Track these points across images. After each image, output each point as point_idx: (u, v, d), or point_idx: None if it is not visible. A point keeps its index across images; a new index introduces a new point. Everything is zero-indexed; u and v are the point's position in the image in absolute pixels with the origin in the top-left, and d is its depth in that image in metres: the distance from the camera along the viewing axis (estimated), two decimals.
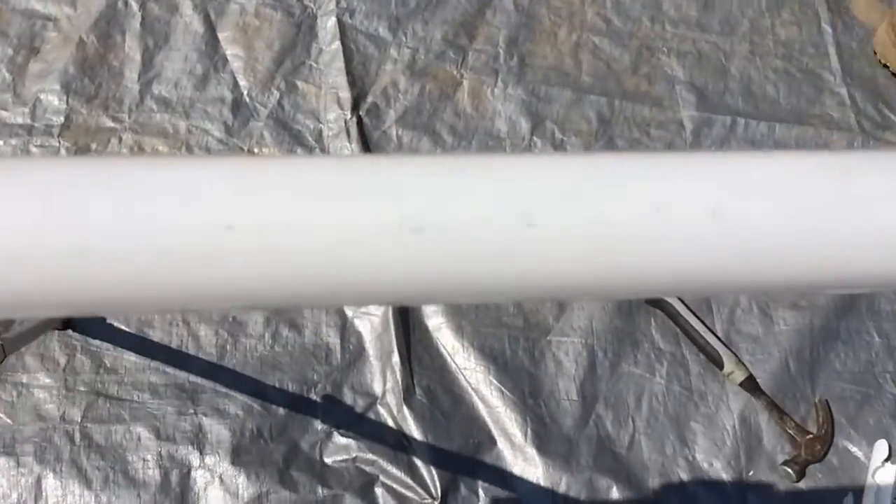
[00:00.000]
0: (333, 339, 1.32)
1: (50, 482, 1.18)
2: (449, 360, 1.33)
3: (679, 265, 0.28)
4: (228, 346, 1.29)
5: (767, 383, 1.36)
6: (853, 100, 1.62)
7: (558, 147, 1.52)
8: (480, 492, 1.25)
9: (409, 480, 1.23)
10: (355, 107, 1.50)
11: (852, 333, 1.40)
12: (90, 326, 1.27)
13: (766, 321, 1.40)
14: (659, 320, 1.39)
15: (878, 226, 0.28)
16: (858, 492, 1.29)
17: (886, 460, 1.29)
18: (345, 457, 1.24)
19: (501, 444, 1.28)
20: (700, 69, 1.63)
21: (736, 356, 1.35)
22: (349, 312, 1.34)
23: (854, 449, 1.32)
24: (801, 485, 1.29)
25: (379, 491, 1.22)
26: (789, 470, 1.27)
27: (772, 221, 0.28)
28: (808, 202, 0.29)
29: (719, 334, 1.39)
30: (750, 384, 1.33)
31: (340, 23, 1.56)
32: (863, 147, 1.58)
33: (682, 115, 1.58)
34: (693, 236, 0.28)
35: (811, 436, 1.29)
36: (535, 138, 1.53)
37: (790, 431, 1.30)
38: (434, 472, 1.23)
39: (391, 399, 1.28)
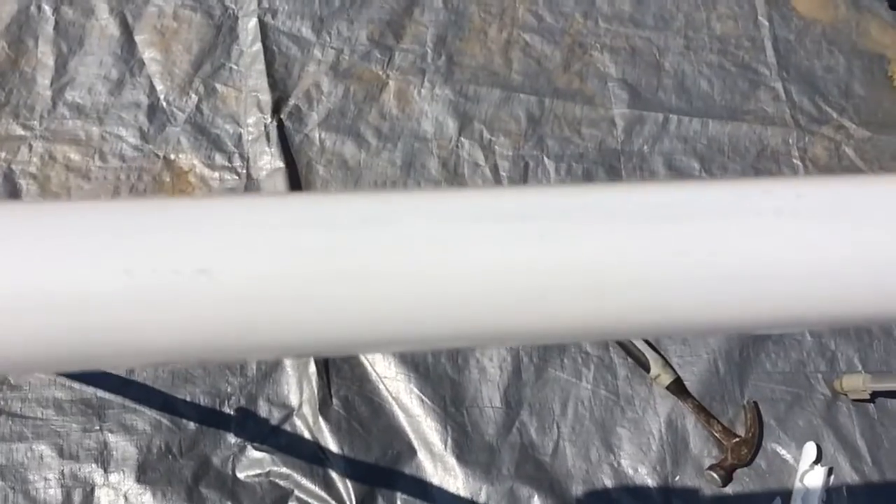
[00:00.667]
0: None
1: None
2: (369, 368, 1.29)
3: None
4: None
5: (695, 386, 1.33)
6: (789, 94, 1.60)
7: (486, 148, 1.49)
8: (399, 503, 1.21)
9: (323, 494, 1.19)
10: (276, 110, 1.46)
11: (783, 335, 1.38)
12: None
13: None
14: None
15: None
16: (787, 495, 1.26)
17: (815, 463, 1.27)
18: (258, 471, 1.20)
19: (421, 454, 1.25)
20: (633, 66, 1.60)
21: (663, 359, 1.32)
22: None
23: (783, 452, 1.29)
24: (728, 489, 1.26)
25: None
26: (714, 475, 1.24)
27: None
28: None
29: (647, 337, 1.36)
30: (677, 387, 1.30)
31: (262, 24, 1.52)
32: (797, 141, 1.55)
33: (615, 113, 1.55)
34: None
35: (738, 439, 1.27)
36: (462, 139, 1.49)
37: (717, 435, 1.27)
38: (350, 484, 1.19)
39: (307, 410, 1.25)
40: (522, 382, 1.32)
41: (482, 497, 1.22)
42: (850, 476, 1.28)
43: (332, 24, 1.56)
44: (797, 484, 1.25)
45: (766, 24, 1.67)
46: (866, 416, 1.33)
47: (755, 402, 1.31)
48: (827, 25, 1.70)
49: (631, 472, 1.27)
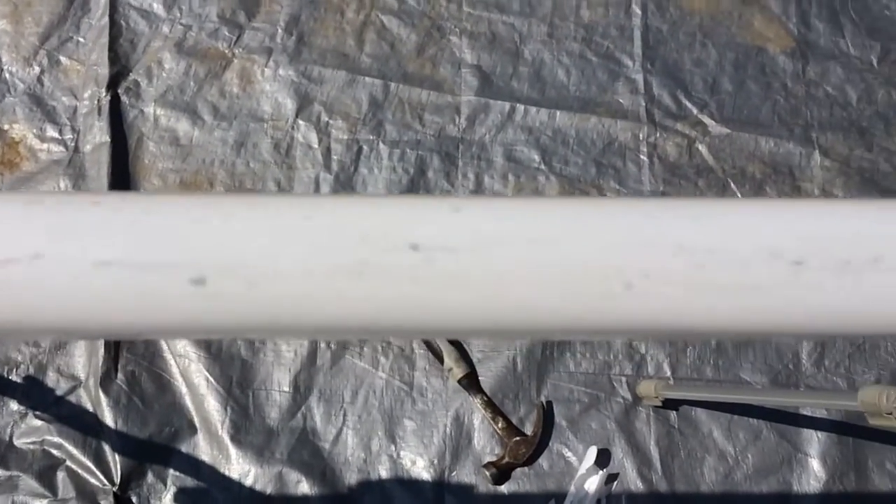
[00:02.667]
0: None
1: None
2: (164, 345, 1.31)
3: None
4: None
5: (491, 382, 1.31)
6: (648, 87, 1.54)
7: (322, 131, 1.48)
8: (169, 480, 1.23)
9: (92, 466, 1.22)
10: (113, 84, 1.47)
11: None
12: None
13: None
14: None
15: None
16: (563, 497, 1.24)
17: (600, 468, 1.24)
18: (34, 439, 1.23)
19: (201, 433, 1.26)
20: (491, 52, 1.57)
21: (459, 352, 1.30)
22: None
23: (569, 454, 1.27)
24: (504, 488, 1.24)
25: (61, 475, 1.22)
26: (487, 472, 1.22)
27: None
28: None
29: None
30: (469, 382, 1.28)
31: None
32: (647, 137, 1.50)
33: (461, 100, 1.52)
34: None
35: (519, 438, 1.24)
36: (299, 121, 1.49)
37: (500, 432, 1.25)
38: (118, 458, 1.22)
39: (92, 383, 1.27)
40: (316, 368, 1.31)
41: (249, 479, 1.23)
42: (634, 483, 1.25)
43: (184, 0, 1.56)
44: (571, 487, 1.22)
45: (640, 13, 1.61)
46: (665, 424, 1.29)
47: (547, 402, 1.29)
48: (706, 16, 1.62)
49: (408, 464, 1.26)
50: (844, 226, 0.24)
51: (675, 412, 1.29)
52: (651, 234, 0.24)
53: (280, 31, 1.56)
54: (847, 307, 0.23)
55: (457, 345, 1.31)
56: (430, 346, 1.31)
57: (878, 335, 0.25)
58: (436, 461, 1.26)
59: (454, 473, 1.25)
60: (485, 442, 1.27)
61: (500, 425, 1.26)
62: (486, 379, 1.31)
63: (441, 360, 1.30)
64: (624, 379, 1.32)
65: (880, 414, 0.86)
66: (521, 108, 1.51)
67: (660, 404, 1.25)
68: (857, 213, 0.24)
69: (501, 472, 1.23)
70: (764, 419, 1.28)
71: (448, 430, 1.28)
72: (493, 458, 1.25)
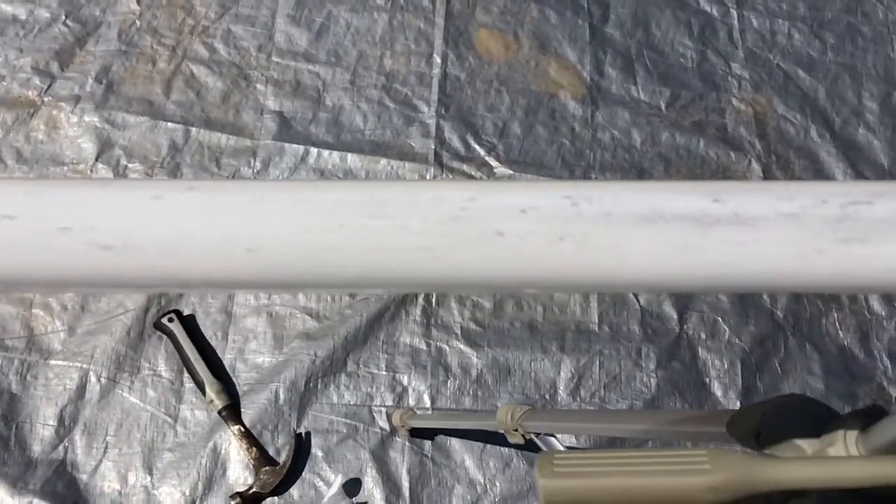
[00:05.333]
0: None
1: None
2: None
3: None
4: None
5: (253, 413, 1.34)
6: (440, 131, 1.62)
7: (119, 173, 1.54)
8: None
9: None
10: None
11: (360, 365, 1.39)
12: None
13: (276, 350, 1.40)
14: (171, 347, 1.39)
15: None
16: None
17: (350, 497, 1.27)
18: None
19: None
20: (294, 99, 1.64)
21: (222, 384, 1.34)
22: None
23: (321, 484, 1.30)
24: None
25: None
26: (233, 502, 1.25)
27: None
28: None
29: (228, 362, 1.39)
30: (229, 413, 1.32)
31: None
32: (432, 177, 1.57)
33: (259, 144, 1.59)
34: None
35: (268, 468, 1.28)
36: (98, 164, 1.55)
37: (253, 462, 1.29)
38: None
39: None
40: (84, 402, 1.35)
41: None
42: None
43: (1, 52, 1.64)
44: None
45: (440, 62, 1.69)
46: (419, 454, 1.32)
47: (303, 433, 1.32)
48: (504, 65, 1.71)
49: (162, 495, 1.29)
50: None
51: (430, 441, 1.33)
52: None
53: (90, 80, 1.63)
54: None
55: (220, 377, 1.35)
56: (194, 377, 1.35)
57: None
58: (188, 491, 1.29)
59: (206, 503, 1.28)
60: (239, 472, 1.30)
61: (253, 455, 1.29)
62: (249, 411, 1.35)
63: (202, 391, 1.34)
64: (384, 410, 1.36)
65: (510, 431, 0.91)
66: (314, 151, 1.58)
67: (408, 433, 1.29)
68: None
69: (247, 502, 1.25)
70: (515, 448, 1.32)
71: (204, 461, 1.31)
72: (243, 489, 1.28)
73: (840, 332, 1.46)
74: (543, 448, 0.93)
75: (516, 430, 0.90)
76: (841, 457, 0.43)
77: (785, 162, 1.64)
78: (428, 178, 1.57)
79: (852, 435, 0.48)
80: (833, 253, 0.27)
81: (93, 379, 1.36)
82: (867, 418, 0.48)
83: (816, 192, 0.28)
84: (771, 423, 0.54)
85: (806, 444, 0.50)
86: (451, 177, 1.57)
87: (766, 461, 0.40)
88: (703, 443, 0.64)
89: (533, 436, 0.91)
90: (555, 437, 0.93)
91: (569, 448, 1.23)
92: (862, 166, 1.64)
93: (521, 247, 0.27)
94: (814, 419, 0.51)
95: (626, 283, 0.28)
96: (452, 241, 0.27)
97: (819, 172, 1.63)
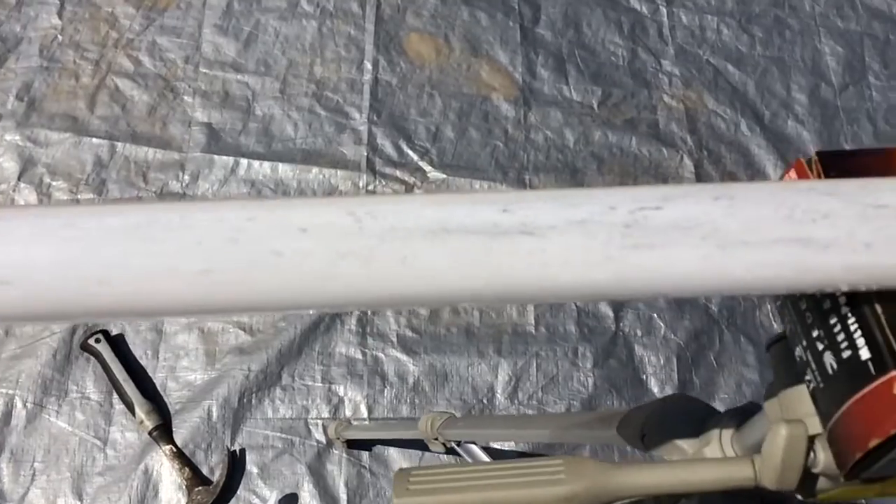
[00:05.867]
0: None
1: None
2: None
3: None
4: None
5: (185, 432, 1.32)
6: (373, 138, 1.60)
7: (43, 192, 1.50)
8: None
9: None
10: None
11: (295, 378, 1.37)
12: None
13: (208, 367, 1.37)
14: (99, 369, 1.36)
15: None
16: None
17: None
18: None
19: None
20: (223, 110, 1.62)
21: (152, 404, 1.31)
22: None
23: (256, 500, 1.28)
24: None
25: None
26: None
27: None
28: None
29: (159, 381, 1.36)
30: (160, 433, 1.29)
31: None
32: (366, 185, 1.56)
33: (188, 157, 1.56)
34: None
35: (201, 487, 1.25)
36: (21, 183, 1.51)
37: (186, 482, 1.26)
38: None
39: None
40: (10, 428, 1.31)
41: None
42: None
43: None
44: None
45: (371, 68, 1.68)
46: (357, 465, 1.31)
47: (237, 450, 1.30)
48: (435, 69, 1.70)
49: None
50: None
51: (368, 452, 1.32)
52: None
53: (11, 98, 1.59)
54: None
55: (150, 396, 1.32)
56: (123, 398, 1.32)
57: None
58: None
59: None
60: (171, 494, 1.27)
61: (186, 475, 1.26)
62: (181, 430, 1.32)
63: (132, 412, 1.30)
64: (320, 422, 1.34)
65: (430, 439, 0.90)
66: (244, 162, 1.56)
67: (345, 445, 1.28)
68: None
69: None
70: (452, 454, 1.31)
71: (136, 483, 1.28)
72: None
73: (774, 323, 1.48)
74: (465, 456, 0.92)
75: (436, 439, 0.89)
76: (689, 460, 0.43)
77: (716, 157, 1.65)
78: (361, 184, 1.56)
79: (727, 434, 0.48)
80: (622, 260, 0.26)
81: (18, 405, 1.32)
82: (742, 416, 0.48)
83: (606, 199, 0.27)
84: (653, 424, 0.53)
85: (686, 445, 0.50)
86: (384, 182, 1.56)
87: (618, 469, 0.39)
88: (562, 452, 0.64)
89: (454, 444, 0.90)
90: (474, 443, 0.92)
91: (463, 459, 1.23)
92: (792, 158, 1.66)
93: (300, 266, 0.26)
94: (694, 419, 0.51)
95: (415, 299, 0.27)
96: (230, 264, 0.26)
97: (750, 166, 1.65)
